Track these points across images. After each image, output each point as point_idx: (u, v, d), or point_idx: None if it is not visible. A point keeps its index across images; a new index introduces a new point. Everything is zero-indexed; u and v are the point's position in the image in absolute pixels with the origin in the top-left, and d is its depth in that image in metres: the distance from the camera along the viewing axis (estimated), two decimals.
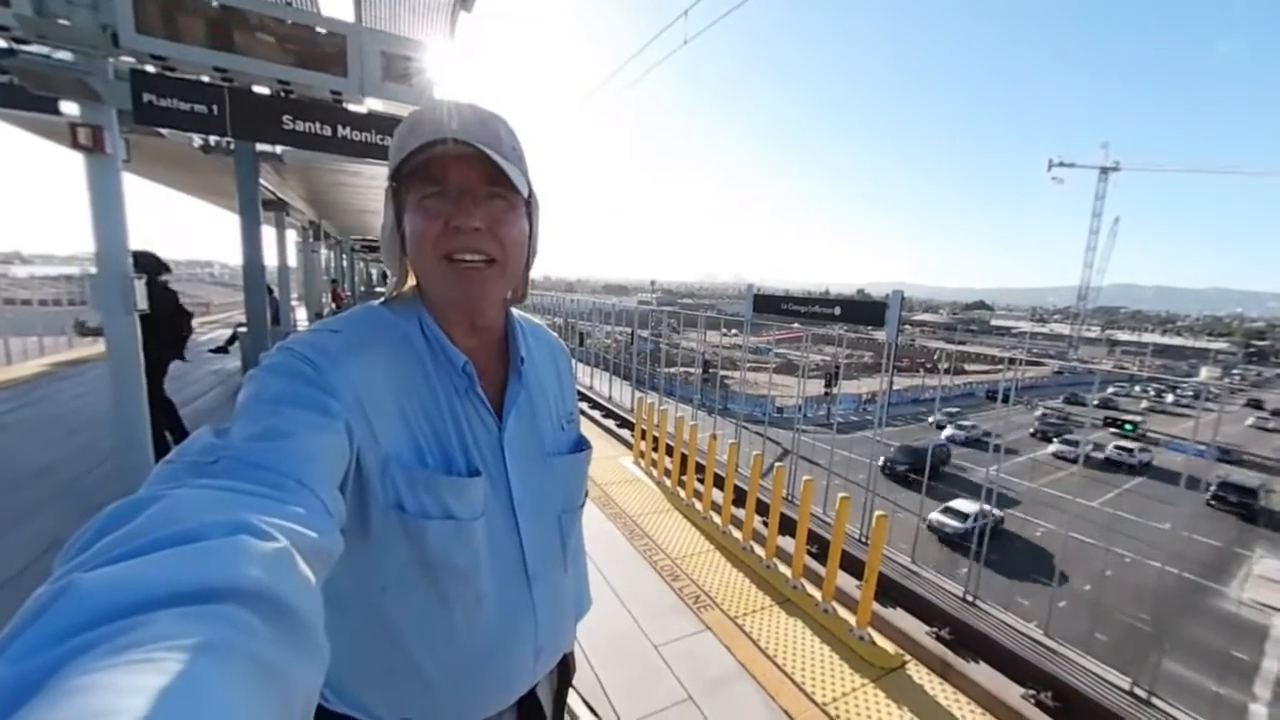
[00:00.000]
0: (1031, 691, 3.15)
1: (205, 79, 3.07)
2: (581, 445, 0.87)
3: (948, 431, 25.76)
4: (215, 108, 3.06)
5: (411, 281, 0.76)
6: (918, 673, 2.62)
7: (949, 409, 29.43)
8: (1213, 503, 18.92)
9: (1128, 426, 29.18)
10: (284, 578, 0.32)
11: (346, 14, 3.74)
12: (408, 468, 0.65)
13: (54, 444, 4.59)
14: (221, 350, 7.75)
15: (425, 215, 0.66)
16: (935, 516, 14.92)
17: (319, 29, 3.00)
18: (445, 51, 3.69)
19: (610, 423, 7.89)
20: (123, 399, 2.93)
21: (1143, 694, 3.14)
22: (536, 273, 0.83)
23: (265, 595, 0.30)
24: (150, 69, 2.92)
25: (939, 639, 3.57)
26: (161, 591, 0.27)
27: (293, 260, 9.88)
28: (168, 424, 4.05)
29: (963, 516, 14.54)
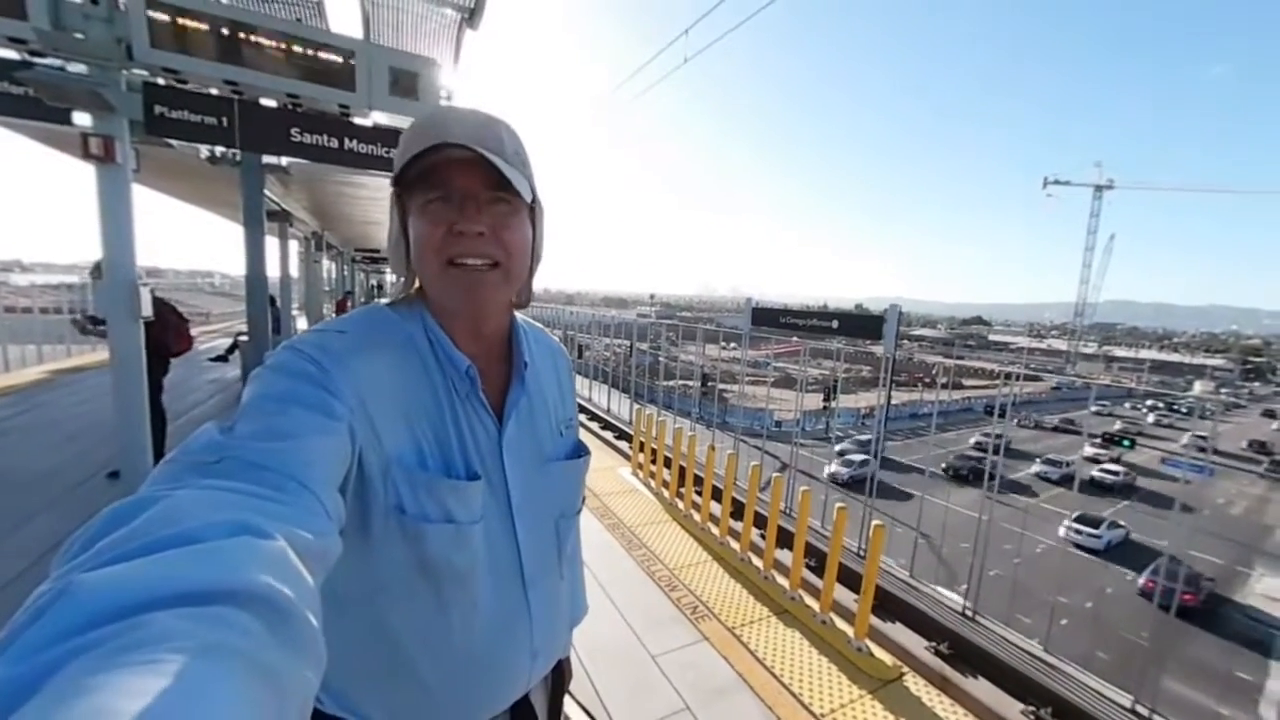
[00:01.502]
0: (1032, 708, 3.13)
1: (215, 92, 3.13)
2: (580, 451, 0.87)
3: (831, 468, 18.21)
4: (224, 120, 3.11)
5: (417, 284, 0.76)
6: (916, 685, 2.61)
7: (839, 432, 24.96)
8: (1271, 469, 28.63)
9: (1125, 443, 29.12)
10: (283, 580, 0.33)
11: (354, 31, 3.83)
12: (409, 470, 0.65)
13: (53, 450, 4.59)
14: (222, 359, 7.76)
15: (429, 220, 0.66)
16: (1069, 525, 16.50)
17: (328, 45, 3.08)
18: (451, 67, 3.77)
19: (609, 434, 7.89)
20: (125, 405, 2.94)
21: (1144, 712, 3.12)
22: (536, 285, 0.83)
23: (264, 598, 0.30)
24: (161, 81, 2.98)
25: (937, 653, 3.55)
26: (161, 593, 0.28)
27: (295, 270, 9.94)
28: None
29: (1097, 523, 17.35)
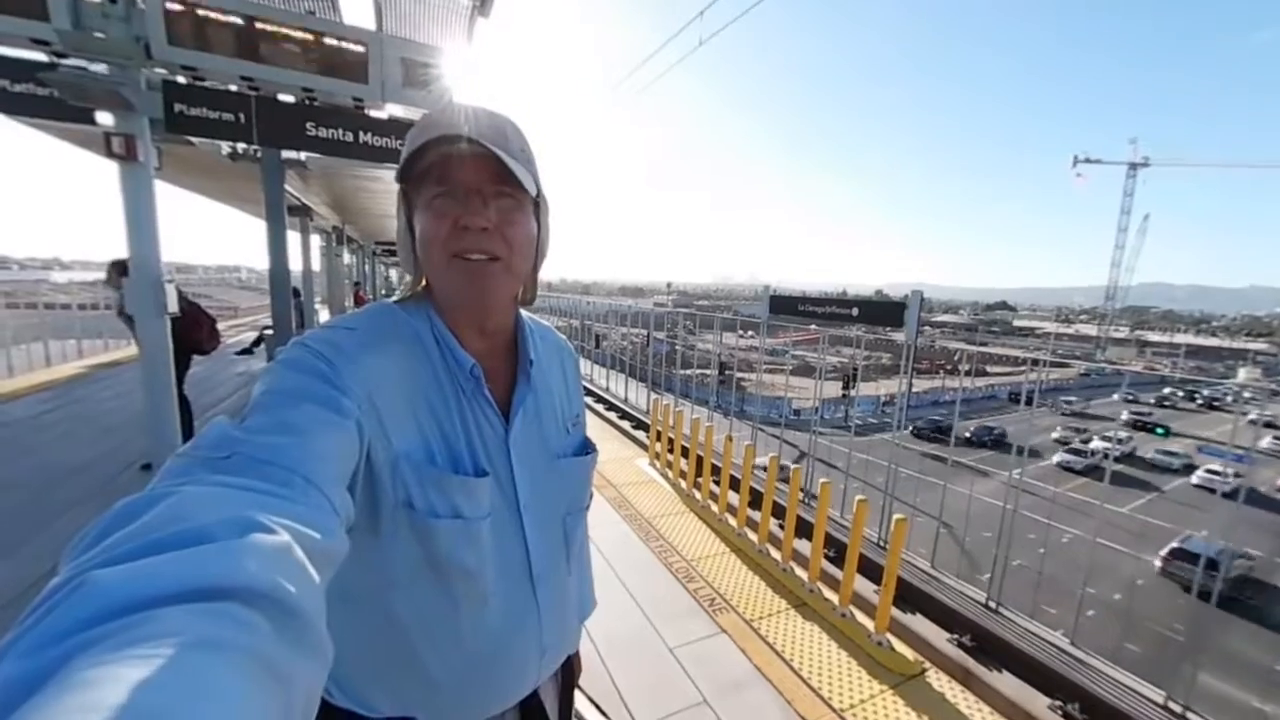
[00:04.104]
0: (1059, 702, 3.06)
1: (233, 88, 3.16)
2: (587, 448, 0.87)
3: None
4: (242, 116, 3.14)
5: (424, 282, 0.76)
6: (938, 680, 2.57)
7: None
8: None
9: (1159, 431, 28.23)
10: (289, 578, 0.33)
11: (368, 22, 3.82)
12: (417, 466, 0.66)
13: (90, 443, 4.76)
14: (247, 352, 7.97)
15: (435, 215, 0.66)
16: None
17: (341, 36, 3.07)
18: (464, 57, 3.74)
19: (626, 424, 7.90)
20: (154, 399, 3.02)
21: (1178, 708, 3.03)
22: (552, 275, 0.82)
23: (270, 595, 0.31)
24: (180, 79, 3.02)
25: (960, 646, 3.49)
26: (169, 589, 0.28)
27: (316, 264, 10.11)
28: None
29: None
